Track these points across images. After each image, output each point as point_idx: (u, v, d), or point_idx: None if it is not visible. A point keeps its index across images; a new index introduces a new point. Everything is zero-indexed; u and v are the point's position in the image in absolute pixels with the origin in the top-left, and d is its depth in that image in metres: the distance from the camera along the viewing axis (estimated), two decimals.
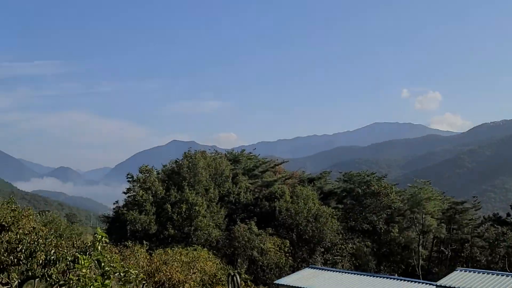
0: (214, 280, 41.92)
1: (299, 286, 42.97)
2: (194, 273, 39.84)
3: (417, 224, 76.38)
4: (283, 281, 46.10)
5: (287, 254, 65.29)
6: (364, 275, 47.43)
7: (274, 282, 49.89)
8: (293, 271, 56.13)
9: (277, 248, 64.47)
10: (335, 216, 71.97)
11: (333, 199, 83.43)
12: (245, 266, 61.60)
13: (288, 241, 66.34)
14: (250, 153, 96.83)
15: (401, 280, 44.12)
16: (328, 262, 70.10)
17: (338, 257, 72.00)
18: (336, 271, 49.92)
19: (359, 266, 71.85)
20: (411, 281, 43.33)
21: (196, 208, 67.12)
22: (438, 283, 34.83)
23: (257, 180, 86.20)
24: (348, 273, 49.64)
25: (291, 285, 43.57)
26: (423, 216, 75.77)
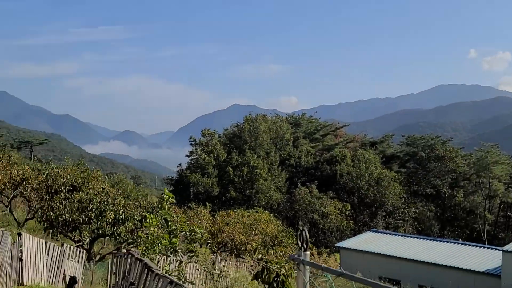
0: (275, 242, 42.41)
1: (361, 249, 42.87)
2: (256, 234, 40.43)
3: (483, 189, 74.17)
4: (344, 244, 46.10)
5: (348, 218, 65.20)
6: (427, 239, 46.67)
7: (335, 245, 49.98)
8: (354, 235, 56.04)
9: (338, 212, 64.44)
10: (397, 180, 70.95)
11: (395, 163, 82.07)
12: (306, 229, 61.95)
13: (349, 205, 66.16)
14: (311, 116, 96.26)
15: (465, 245, 43.08)
16: (390, 226, 69.51)
17: (400, 221, 71.21)
18: (398, 235, 49.33)
19: (422, 231, 70.80)
20: (476, 246, 42.27)
21: (257, 171, 67.74)
22: (505, 248, 33.83)
23: (318, 143, 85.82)
24: (411, 237, 48.90)
25: (352, 248, 43.52)
26: (490, 180, 73.40)
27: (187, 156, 79.77)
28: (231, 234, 38.45)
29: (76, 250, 21.88)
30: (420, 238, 47.41)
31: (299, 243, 3.34)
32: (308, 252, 3.36)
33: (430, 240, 46.47)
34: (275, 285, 7.44)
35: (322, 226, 63.82)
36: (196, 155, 75.77)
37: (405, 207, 71.39)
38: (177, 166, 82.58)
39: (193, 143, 79.04)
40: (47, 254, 18.30)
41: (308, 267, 3.33)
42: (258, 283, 10.12)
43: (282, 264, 7.31)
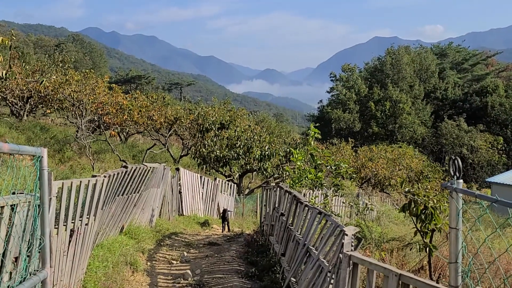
0: (420, 177, 41.60)
1: None
2: (400, 169, 39.94)
3: None
4: (496, 179, 43.77)
5: (501, 152, 61.38)
6: None
7: (486, 180, 47.66)
8: (507, 169, 52.85)
9: (489, 146, 60.85)
10: None
11: None
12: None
13: (501, 138, 62.09)
14: (458, 45, 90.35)
15: None
16: None
17: None
18: None
19: None
20: None
21: (400, 105, 65.87)
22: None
23: (466, 74, 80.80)
24: None
25: (505, 183, 41.22)
26: None
27: (327, 92, 79.69)
28: (374, 169, 38.39)
29: (228, 184, 23.42)
30: None
31: (452, 172, 3.42)
32: (461, 181, 3.43)
33: None
34: (423, 217, 7.51)
35: (471, 161, 60.89)
36: (336, 91, 75.36)
37: None
38: (318, 103, 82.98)
39: (333, 79, 78.53)
40: (202, 188, 19.84)
41: (461, 195, 3.41)
42: (405, 216, 10.22)
43: (431, 197, 7.33)
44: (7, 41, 10.96)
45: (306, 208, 8.20)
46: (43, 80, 19.53)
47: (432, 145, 65.55)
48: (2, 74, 10.35)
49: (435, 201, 7.25)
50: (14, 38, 12.28)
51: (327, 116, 70.10)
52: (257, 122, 53.01)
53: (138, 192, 10.53)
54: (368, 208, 14.17)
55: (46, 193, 4.14)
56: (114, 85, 30.48)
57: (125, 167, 9.11)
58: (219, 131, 28.04)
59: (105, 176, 7.42)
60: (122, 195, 9.23)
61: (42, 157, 4.02)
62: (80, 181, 6.30)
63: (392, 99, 66.84)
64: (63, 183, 5.71)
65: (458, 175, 3.35)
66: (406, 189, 7.68)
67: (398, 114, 66.10)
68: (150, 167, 11.21)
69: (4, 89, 25.85)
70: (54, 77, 24.22)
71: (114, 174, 7.99)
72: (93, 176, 7.20)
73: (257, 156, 25.53)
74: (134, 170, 9.63)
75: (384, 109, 67.04)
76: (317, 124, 14.18)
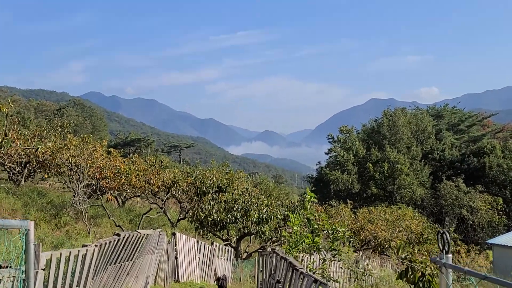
0: (420, 239, 41.13)
1: None
2: (400, 231, 39.51)
3: None
4: (497, 240, 43.28)
5: (501, 213, 60.93)
6: None
7: (487, 241, 47.10)
8: (508, 231, 52.34)
9: (489, 206, 60.48)
10: None
11: None
12: (454, 225, 59.13)
13: (501, 199, 61.79)
14: (454, 107, 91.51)
15: None
16: None
17: None
18: None
19: None
20: None
21: (399, 166, 65.95)
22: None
23: (463, 135, 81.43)
24: None
25: (506, 244, 40.73)
26: None
27: (326, 153, 79.97)
28: (373, 231, 37.99)
29: (225, 248, 23.10)
30: None
31: (440, 246, 3.39)
32: (450, 255, 3.38)
33: None
34: (420, 285, 7.35)
35: (471, 222, 60.38)
36: (334, 152, 75.67)
37: None
38: (317, 164, 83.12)
39: (331, 140, 79.04)
40: (199, 253, 19.56)
41: (450, 270, 3.35)
42: (403, 283, 10.04)
43: (428, 264, 7.21)
44: (4, 109, 11.12)
45: (302, 276, 8.08)
46: (38, 148, 19.65)
47: (431, 206, 65.16)
48: None
49: (432, 268, 7.14)
50: (12, 106, 12.46)
51: (326, 177, 70.05)
52: (255, 184, 52.89)
53: (131, 260, 10.36)
54: (366, 274, 13.94)
55: (32, 267, 4.08)
56: (112, 149, 30.64)
57: (118, 235, 9.01)
58: (217, 194, 27.95)
59: (96, 246, 7.32)
60: (115, 263, 9.08)
61: (28, 230, 3.99)
62: (70, 252, 6.22)
63: (390, 160, 67.02)
64: (51, 254, 5.63)
65: (447, 249, 3.32)
66: (403, 256, 7.57)
67: (396, 175, 66.08)
68: (144, 234, 11.08)
69: (2, 155, 25.93)
70: (50, 144, 24.35)
71: (105, 243, 7.89)
72: (84, 245, 7.11)
73: (254, 219, 25.34)
74: (127, 238, 9.52)
75: (382, 170, 67.09)
76: (313, 188, 14.19)
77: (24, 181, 29.82)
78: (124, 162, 28.32)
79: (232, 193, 27.45)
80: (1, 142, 10.04)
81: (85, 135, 29.04)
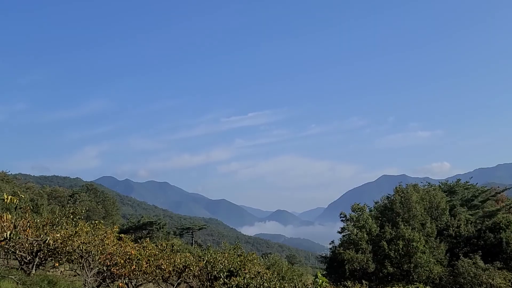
0: None
1: None
2: None
3: None
4: None
5: None
6: None
7: None
8: None
9: (509, 283, 58.79)
10: None
11: None
12: None
13: None
14: (466, 182, 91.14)
15: None
16: None
17: None
18: None
19: None
20: None
21: (414, 244, 64.87)
22: None
23: (477, 210, 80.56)
24: None
25: None
26: None
27: (339, 232, 79.05)
28: None
29: None
30: None
31: None
32: None
33: None
34: None
35: None
36: (348, 231, 74.74)
37: None
38: (330, 243, 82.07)
39: (344, 219, 78.35)
40: None
41: None
42: None
43: None
44: (15, 200, 11.42)
45: None
46: (47, 239, 19.88)
47: (450, 285, 63.33)
48: (7, 235, 10.65)
49: None
50: (23, 196, 12.76)
51: (340, 257, 68.84)
52: (268, 266, 52.15)
53: None
54: None
55: None
56: (123, 235, 30.70)
57: None
58: (228, 278, 27.61)
59: None
60: None
61: None
62: None
63: (405, 237, 65.99)
64: None
65: None
66: None
67: (412, 253, 64.81)
68: None
69: (14, 243, 26.07)
70: (58, 234, 24.62)
71: None
72: None
73: None
74: None
75: (397, 248, 65.92)
76: (324, 272, 14.09)
77: (35, 269, 29.71)
78: (135, 248, 28.31)
79: (244, 277, 27.10)
80: (10, 234, 10.25)
81: (96, 221, 29.26)
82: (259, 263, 37.74)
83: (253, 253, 38.08)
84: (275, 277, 33.67)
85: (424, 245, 65.83)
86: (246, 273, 28.43)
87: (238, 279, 26.99)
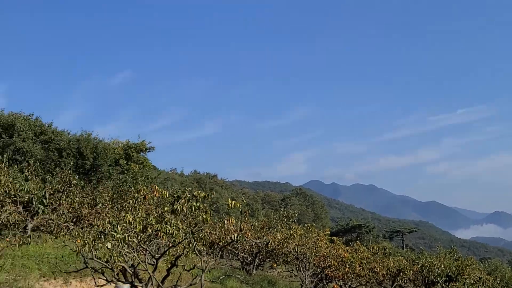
0: None
1: None
2: None
3: None
4: None
5: None
6: None
7: None
8: None
9: None
10: None
11: None
12: None
13: None
14: None
15: None
16: None
17: None
18: None
19: None
20: None
21: None
22: None
23: None
24: None
25: None
26: None
27: None
28: None
29: None
30: None
31: None
32: None
33: None
34: None
35: None
36: None
37: None
38: None
39: None
40: None
41: None
42: None
43: None
44: (238, 205, 12.29)
45: None
46: (269, 241, 21.02)
47: None
48: (235, 237, 11.55)
49: None
50: (245, 201, 13.73)
51: None
52: (489, 271, 48.42)
53: None
54: None
55: None
56: (335, 237, 31.11)
57: None
58: (446, 284, 26.26)
59: None
60: None
61: None
62: None
63: None
64: None
65: None
66: None
67: None
68: None
69: (237, 246, 28.20)
70: (279, 237, 25.87)
71: None
72: None
73: None
74: None
75: None
76: None
77: (255, 270, 31.70)
78: (347, 251, 28.50)
79: (464, 283, 25.52)
80: (237, 236, 11.07)
81: (309, 224, 30.17)
82: (478, 268, 35.26)
83: (471, 258, 35.68)
84: (499, 283, 31.15)
85: None
86: (465, 279, 26.81)
87: (457, 284, 25.55)
